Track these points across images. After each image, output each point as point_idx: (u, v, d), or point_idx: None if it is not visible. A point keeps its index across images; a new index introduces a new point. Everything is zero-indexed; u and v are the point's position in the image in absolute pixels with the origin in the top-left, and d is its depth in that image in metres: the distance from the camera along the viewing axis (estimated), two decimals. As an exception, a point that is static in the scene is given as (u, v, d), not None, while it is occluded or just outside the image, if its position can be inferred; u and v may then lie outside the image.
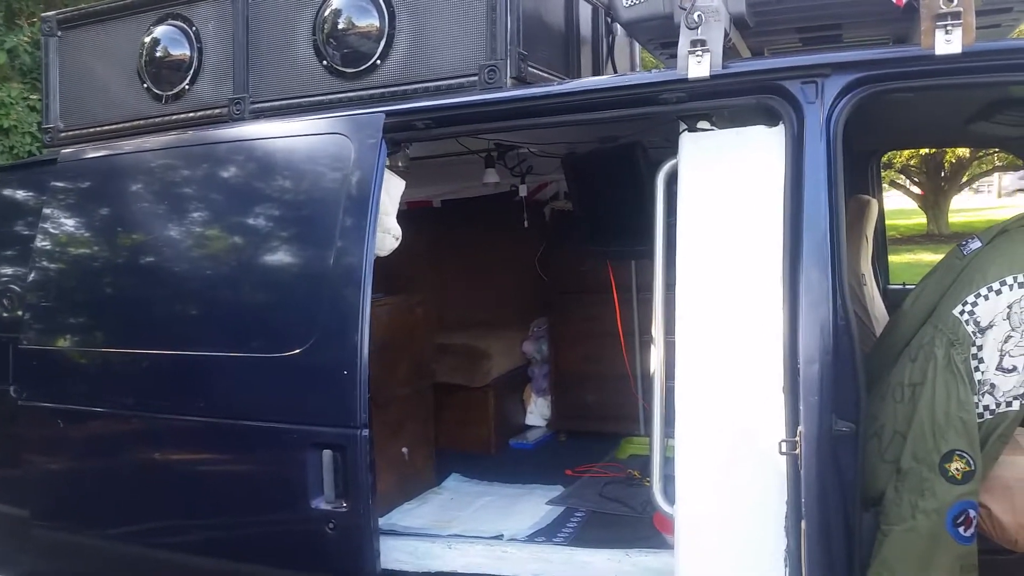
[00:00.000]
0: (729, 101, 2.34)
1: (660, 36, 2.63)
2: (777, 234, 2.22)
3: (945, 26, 2.01)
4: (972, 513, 2.22)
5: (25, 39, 8.02)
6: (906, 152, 17.36)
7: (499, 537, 3.16)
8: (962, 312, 2.30)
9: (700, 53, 2.23)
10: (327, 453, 2.55)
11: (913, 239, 19.65)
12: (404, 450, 3.80)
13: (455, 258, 5.27)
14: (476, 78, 2.67)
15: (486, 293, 5.28)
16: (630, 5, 2.51)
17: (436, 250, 5.18)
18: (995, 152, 15.78)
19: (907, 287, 4.02)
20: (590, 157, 3.62)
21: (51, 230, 3.24)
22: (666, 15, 2.42)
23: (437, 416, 4.23)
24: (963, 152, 18.54)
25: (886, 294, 3.92)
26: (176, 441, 2.93)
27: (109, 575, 3.14)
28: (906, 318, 2.50)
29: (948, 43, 2.01)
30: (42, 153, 6.88)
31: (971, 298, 2.30)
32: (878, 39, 2.79)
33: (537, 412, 5.10)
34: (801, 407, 2.14)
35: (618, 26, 3.20)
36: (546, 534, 3.28)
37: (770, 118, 2.30)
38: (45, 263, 3.23)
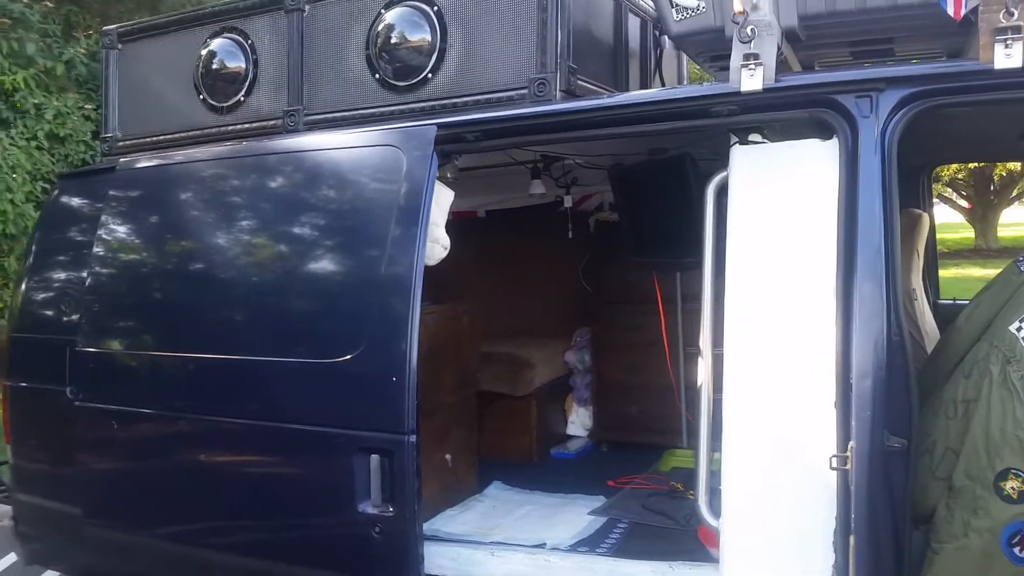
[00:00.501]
0: (782, 114, 2.34)
1: (710, 49, 2.64)
2: (830, 248, 2.22)
3: (1005, 40, 1.99)
4: (1028, 533, 2.18)
5: (82, 51, 8.25)
6: (954, 165, 17.06)
7: (542, 546, 3.17)
8: (1020, 328, 2.27)
9: (753, 66, 2.23)
10: (375, 458, 2.58)
11: (961, 253, 19.31)
12: (448, 457, 3.82)
13: (499, 268, 5.29)
14: (526, 91, 2.70)
15: (530, 302, 5.29)
16: (680, 19, 2.52)
17: (480, 260, 5.20)
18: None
19: (957, 302, 3.96)
20: (638, 169, 3.62)
21: (108, 236, 3.33)
22: (717, 29, 2.43)
23: (479, 424, 4.25)
24: (1014, 166, 18.16)
25: (936, 309, 3.86)
26: (227, 444, 2.99)
27: (158, 574, 3.22)
28: (960, 334, 2.47)
29: (1008, 57, 2.00)
30: (96, 162, 7.08)
31: (1029, 314, 2.26)
32: (930, 53, 2.77)
33: (579, 422, 5.09)
34: (853, 422, 2.13)
35: (666, 39, 3.21)
36: (589, 544, 3.28)
37: (823, 132, 2.30)
38: (101, 268, 3.32)
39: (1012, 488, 2.19)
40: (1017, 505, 2.18)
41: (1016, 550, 2.18)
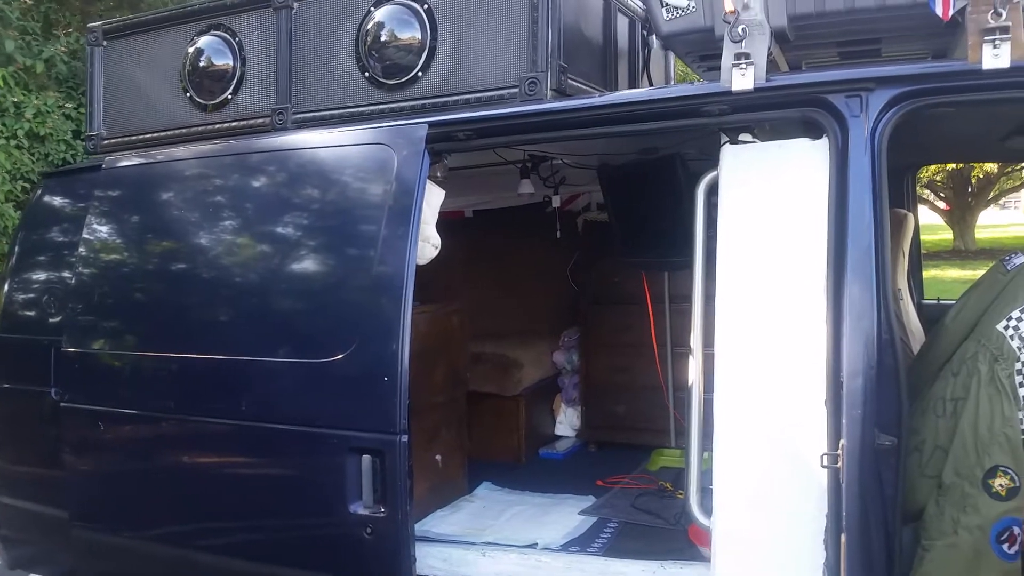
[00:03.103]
0: (772, 114, 2.35)
1: (699, 49, 2.65)
2: (820, 247, 2.23)
3: (993, 40, 2.01)
4: (1017, 530, 2.20)
5: (62, 49, 8.15)
6: (932, 167, 17.24)
7: (533, 546, 3.17)
8: (1007, 327, 2.29)
9: (744, 66, 2.24)
10: (366, 458, 2.58)
11: (939, 255, 19.49)
12: (438, 457, 3.82)
13: (487, 268, 5.30)
14: (517, 90, 2.70)
15: (518, 303, 5.30)
16: (670, 19, 2.53)
17: (468, 260, 5.20)
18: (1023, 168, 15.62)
19: (941, 302, 4.00)
20: (628, 168, 3.63)
21: (93, 236, 3.29)
22: (707, 28, 2.44)
23: (468, 424, 4.24)
24: (990, 168, 18.37)
25: (921, 309, 3.89)
26: (216, 444, 2.97)
27: (146, 576, 3.19)
28: (947, 333, 2.50)
29: (996, 57, 2.02)
30: (78, 161, 6.99)
31: (1016, 313, 2.29)
32: (916, 54, 2.79)
33: (567, 422, 5.10)
34: (844, 420, 2.14)
35: (654, 38, 3.23)
36: (580, 544, 3.28)
37: (813, 131, 2.31)
38: (87, 268, 3.28)
39: (1000, 485, 2.21)
40: (1006, 502, 2.20)
41: (1005, 547, 2.20)
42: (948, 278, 13.38)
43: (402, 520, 2.56)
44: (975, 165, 18.12)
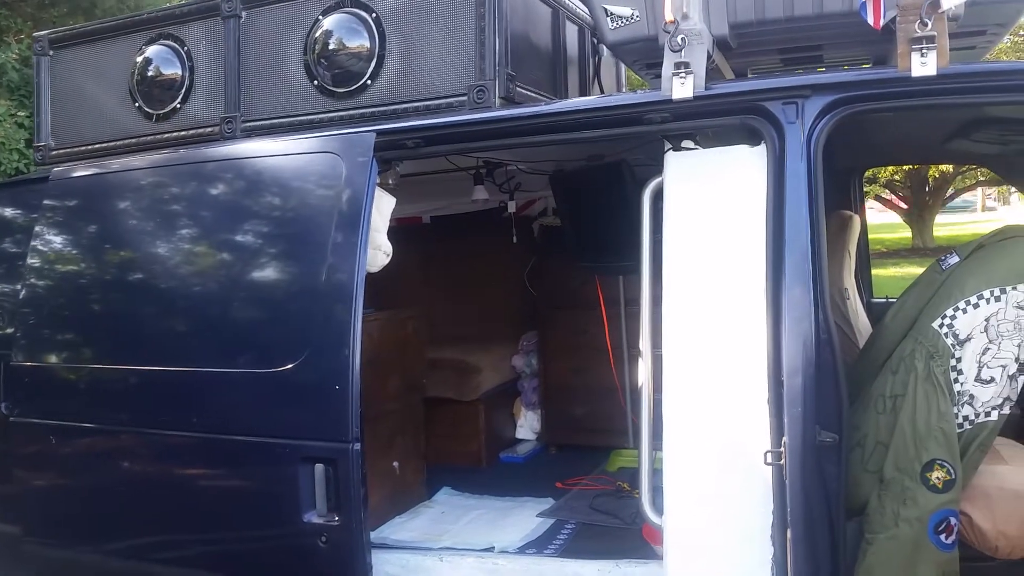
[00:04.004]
0: (712, 121, 2.40)
1: (644, 57, 2.69)
2: (760, 250, 2.27)
3: (920, 49, 2.07)
4: (953, 521, 2.27)
5: (13, 56, 8.03)
6: (891, 167, 17.54)
7: (490, 549, 3.19)
8: (941, 325, 2.36)
9: (684, 75, 2.28)
10: (319, 467, 2.57)
11: (899, 253, 19.83)
12: (395, 464, 3.82)
13: (445, 274, 5.31)
14: (465, 98, 2.72)
15: (476, 308, 5.32)
16: (615, 27, 2.56)
17: (426, 266, 5.22)
18: (976, 168, 15.94)
19: (890, 300, 4.06)
20: (578, 175, 3.67)
21: (42, 247, 3.25)
22: (650, 37, 2.48)
23: (427, 430, 4.25)
24: (947, 168, 18.73)
25: (870, 308, 3.98)
26: (168, 457, 2.94)
27: (101, 591, 3.15)
28: (887, 331, 2.56)
29: (923, 65, 2.08)
30: (31, 171, 6.89)
31: (950, 311, 2.36)
32: (858, 60, 2.86)
33: (527, 426, 5.13)
34: (785, 418, 2.18)
35: (604, 47, 3.26)
36: (537, 546, 3.31)
37: (752, 138, 2.36)
38: (36, 280, 3.24)
39: (937, 478, 2.28)
40: (942, 494, 2.27)
41: (943, 537, 2.27)
42: (908, 275, 13.62)
43: (357, 528, 2.56)
44: (932, 166, 18.45)
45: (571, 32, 3.27)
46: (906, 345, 2.43)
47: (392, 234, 2.85)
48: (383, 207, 2.78)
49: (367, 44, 2.86)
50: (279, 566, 2.73)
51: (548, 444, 5.01)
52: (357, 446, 2.53)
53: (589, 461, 4.48)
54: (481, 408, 4.74)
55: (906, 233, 22.78)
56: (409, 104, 2.81)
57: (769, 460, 2.22)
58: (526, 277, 5.11)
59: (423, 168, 3.71)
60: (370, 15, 2.86)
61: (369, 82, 2.87)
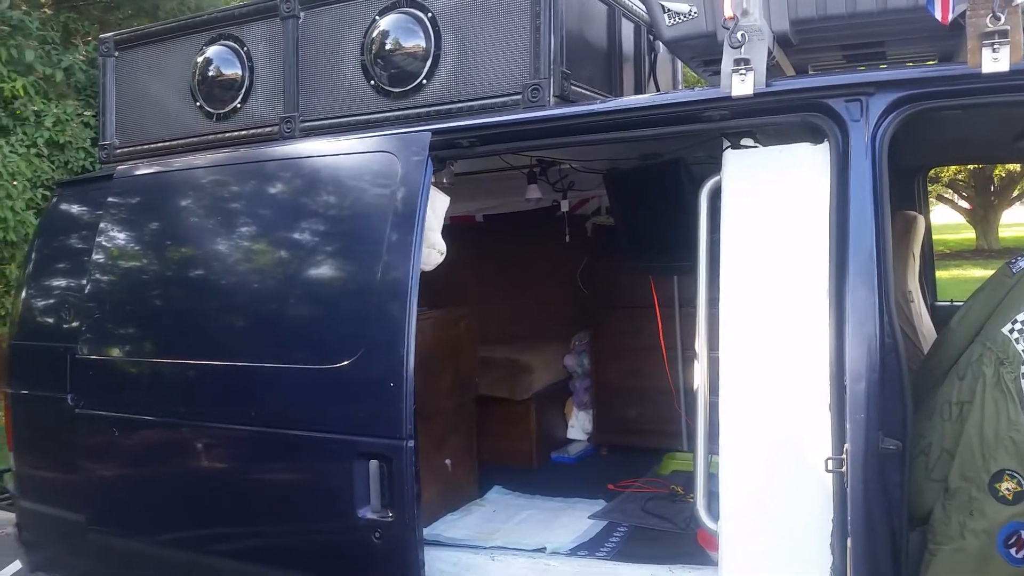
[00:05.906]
0: (773, 119, 2.35)
1: (702, 54, 2.66)
2: (823, 251, 2.23)
3: (992, 44, 2.00)
4: (1024, 534, 2.19)
5: (80, 57, 8.28)
6: (954, 167, 17.07)
7: (542, 550, 3.18)
8: (1012, 330, 2.28)
9: (744, 71, 2.24)
10: (374, 463, 2.60)
11: (962, 254, 19.32)
12: (447, 462, 3.83)
13: (498, 272, 5.31)
14: (520, 97, 2.72)
15: (528, 307, 5.31)
16: (672, 24, 2.53)
17: (479, 264, 5.22)
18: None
19: (955, 304, 3.97)
20: (633, 173, 3.63)
21: (106, 244, 3.35)
22: (709, 34, 2.45)
23: (479, 428, 4.26)
24: (1013, 166, 18.15)
25: (934, 311, 3.87)
26: (227, 450, 3.01)
27: (159, 580, 3.23)
28: (953, 336, 2.48)
29: (995, 61, 2.00)
30: (96, 169, 7.09)
31: (1021, 316, 2.27)
32: (923, 56, 2.78)
33: (578, 426, 5.10)
34: (848, 425, 2.14)
35: (660, 43, 3.23)
36: (589, 548, 3.29)
37: (814, 136, 2.31)
38: (100, 276, 3.33)
39: (1007, 489, 2.19)
40: (1013, 506, 2.19)
41: (1013, 551, 2.19)
42: (971, 277, 13.24)
43: (410, 525, 2.58)
44: (996, 165, 17.92)
45: (627, 29, 3.25)
46: (974, 350, 2.35)
47: (446, 232, 2.86)
48: (437, 206, 2.80)
49: (423, 44, 2.88)
50: (334, 560, 2.76)
51: (599, 445, 4.98)
52: (411, 443, 2.55)
53: (641, 463, 4.43)
54: (533, 407, 4.73)
55: (969, 234, 22.16)
56: (464, 103, 2.81)
57: (830, 467, 2.18)
58: (579, 276, 5.09)
59: (477, 167, 3.72)
60: (426, 15, 2.88)
61: (425, 82, 2.88)
